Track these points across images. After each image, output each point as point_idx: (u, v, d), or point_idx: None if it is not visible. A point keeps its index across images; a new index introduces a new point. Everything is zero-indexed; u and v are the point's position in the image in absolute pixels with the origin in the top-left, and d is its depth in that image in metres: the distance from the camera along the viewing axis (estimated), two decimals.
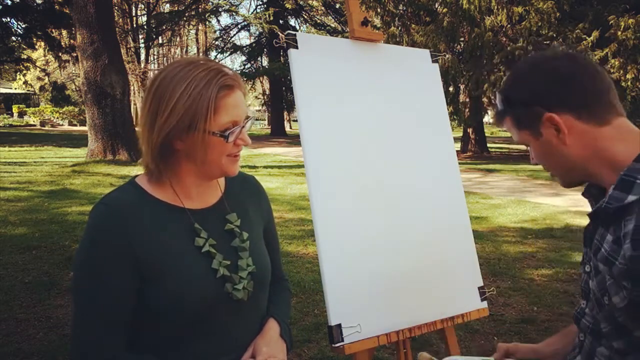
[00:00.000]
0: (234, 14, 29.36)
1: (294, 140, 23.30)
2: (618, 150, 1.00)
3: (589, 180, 1.08)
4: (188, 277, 1.07)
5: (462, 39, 14.29)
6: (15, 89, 36.49)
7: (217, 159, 1.10)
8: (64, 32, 20.77)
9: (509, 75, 1.13)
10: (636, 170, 0.96)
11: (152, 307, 1.06)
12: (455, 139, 13.12)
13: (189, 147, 1.08)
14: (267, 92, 31.74)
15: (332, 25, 28.50)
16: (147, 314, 1.07)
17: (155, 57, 39.52)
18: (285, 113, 33.79)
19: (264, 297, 1.24)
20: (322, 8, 29.27)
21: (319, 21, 29.91)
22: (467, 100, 15.53)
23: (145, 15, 31.16)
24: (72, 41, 18.86)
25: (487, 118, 28.95)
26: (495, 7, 12.80)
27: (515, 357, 1.28)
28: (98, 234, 1.05)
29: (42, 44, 21.19)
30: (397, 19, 14.70)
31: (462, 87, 14.97)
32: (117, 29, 17.64)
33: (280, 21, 27.57)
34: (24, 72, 27.12)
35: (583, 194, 1.14)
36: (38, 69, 28.92)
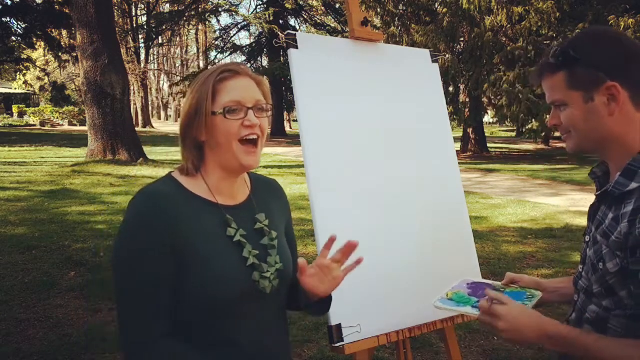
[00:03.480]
0: (234, 14, 29.36)
1: (294, 140, 23.31)
2: (633, 138, 1.11)
3: (598, 154, 1.17)
4: (221, 265, 1.12)
5: (462, 39, 14.30)
6: (15, 89, 36.47)
7: (228, 144, 1.14)
8: (64, 32, 20.77)
9: (577, 36, 1.16)
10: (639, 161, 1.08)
11: (184, 294, 1.10)
12: (455, 139, 13.11)
13: (206, 134, 1.15)
14: None
15: (332, 25, 28.48)
16: (178, 301, 1.10)
17: (155, 57, 39.56)
18: (285, 113, 33.78)
19: (284, 295, 1.27)
20: (322, 8, 29.26)
21: (319, 21, 29.89)
22: (467, 100, 15.53)
23: (145, 15, 31.18)
24: (72, 41, 18.85)
25: (487, 118, 28.95)
26: (495, 7, 12.80)
27: (519, 284, 1.45)
28: (141, 222, 1.08)
29: (42, 44, 21.18)
30: (397, 19, 14.70)
31: (462, 87, 14.98)
32: (117, 29, 17.63)
33: (280, 21, 27.56)
34: (24, 72, 27.12)
35: (589, 175, 1.24)
36: (38, 69, 28.92)
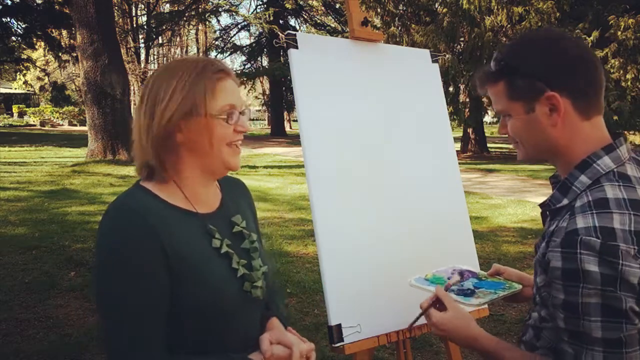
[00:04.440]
0: (234, 14, 29.36)
1: (294, 140, 23.29)
2: (577, 149, 1.05)
3: (549, 162, 1.14)
4: (212, 277, 1.07)
5: (462, 39, 14.28)
6: (15, 89, 36.47)
7: (217, 147, 1.09)
8: (64, 32, 20.76)
9: (517, 42, 1.12)
10: (574, 177, 1.04)
11: (176, 308, 1.05)
12: (455, 139, 13.10)
13: (191, 136, 1.08)
14: (267, 92, 31.74)
15: (332, 25, 28.46)
16: (171, 315, 1.05)
17: (155, 57, 39.51)
18: (285, 113, 33.78)
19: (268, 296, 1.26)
20: (322, 8, 29.24)
21: (319, 21, 29.88)
22: (467, 100, 15.52)
23: (145, 15, 31.15)
24: (72, 41, 18.84)
25: (487, 118, 28.93)
26: (495, 7, 12.79)
27: (503, 276, 1.50)
28: (126, 234, 1.01)
29: (42, 44, 21.17)
30: (397, 19, 14.69)
31: (462, 87, 14.96)
32: (117, 29, 17.62)
33: (280, 21, 27.55)
34: (24, 72, 27.08)
35: (550, 178, 1.21)
36: (38, 69, 28.89)
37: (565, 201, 1.05)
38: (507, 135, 1.14)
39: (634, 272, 0.91)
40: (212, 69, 1.09)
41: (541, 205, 1.13)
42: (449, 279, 1.53)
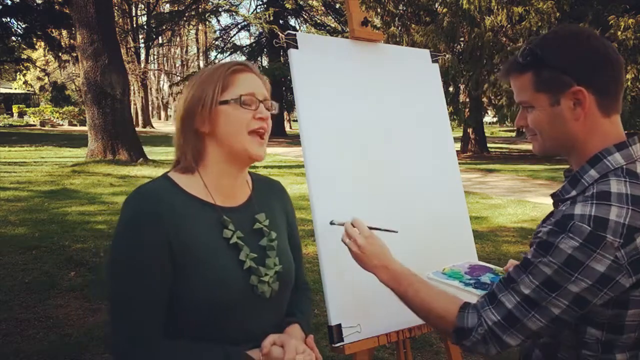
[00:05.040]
0: (234, 14, 29.38)
1: (294, 140, 23.29)
2: (594, 145, 1.09)
3: (563, 155, 1.17)
4: (216, 268, 1.09)
5: (462, 39, 14.29)
6: (15, 89, 36.46)
7: (238, 133, 1.13)
8: (64, 32, 20.76)
9: (547, 36, 1.14)
10: (585, 171, 1.09)
11: (180, 297, 1.08)
12: (455, 139, 13.09)
13: (215, 125, 1.13)
14: None
15: (332, 25, 28.46)
16: (174, 305, 1.08)
17: (155, 57, 39.55)
18: (285, 113, 33.77)
19: (286, 298, 1.25)
20: (322, 8, 29.25)
21: (319, 21, 29.88)
22: (467, 100, 15.53)
23: (145, 15, 31.18)
24: (72, 41, 18.85)
25: (487, 118, 28.94)
26: (495, 7, 12.80)
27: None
28: (138, 221, 1.06)
29: (42, 44, 21.18)
30: (397, 19, 14.70)
31: (462, 87, 14.97)
32: (117, 29, 17.63)
33: (280, 21, 27.55)
34: (24, 72, 27.10)
35: (565, 172, 1.22)
36: (38, 69, 28.91)
37: (573, 193, 1.09)
38: (524, 127, 1.16)
39: (604, 262, 0.96)
40: (228, 65, 1.16)
41: (552, 195, 1.17)
42: (466, 273, 1.56)
